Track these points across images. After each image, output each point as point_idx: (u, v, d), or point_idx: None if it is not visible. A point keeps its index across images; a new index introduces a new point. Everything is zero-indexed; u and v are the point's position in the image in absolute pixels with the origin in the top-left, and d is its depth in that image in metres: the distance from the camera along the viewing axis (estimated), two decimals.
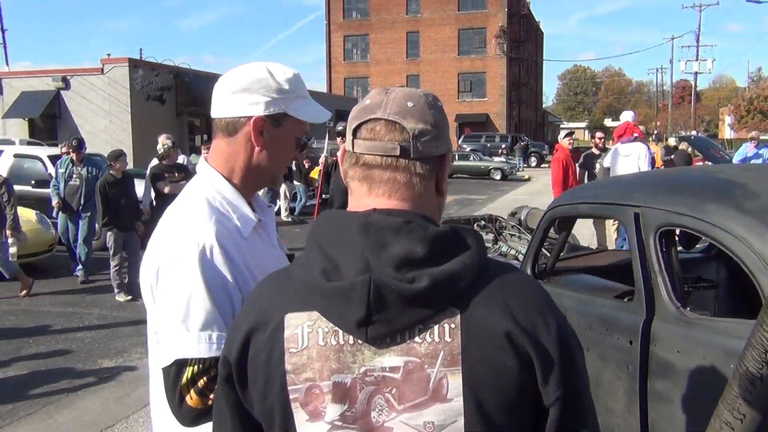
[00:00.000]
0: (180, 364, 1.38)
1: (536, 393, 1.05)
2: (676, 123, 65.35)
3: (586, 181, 9.59)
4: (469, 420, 1.03)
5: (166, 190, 7.86)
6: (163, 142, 8.32)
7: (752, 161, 11.84)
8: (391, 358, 1.04)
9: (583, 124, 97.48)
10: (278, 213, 13.39)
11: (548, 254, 4.09)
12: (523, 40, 54.95)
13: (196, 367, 1.37)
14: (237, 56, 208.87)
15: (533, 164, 40.50)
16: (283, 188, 13.97)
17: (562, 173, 9.18)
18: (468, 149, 36.21)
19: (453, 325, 1.04)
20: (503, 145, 39.41)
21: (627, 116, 9.22)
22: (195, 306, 1.39)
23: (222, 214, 1.51)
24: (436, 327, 1.04)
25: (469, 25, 49.56)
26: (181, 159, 9.36)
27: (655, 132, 41.40)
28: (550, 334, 1.06)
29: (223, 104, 1.54)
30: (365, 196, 1.14)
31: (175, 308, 1.40)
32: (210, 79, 25.66)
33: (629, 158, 8.60)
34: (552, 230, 4.88)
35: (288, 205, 14.78)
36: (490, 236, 4.41)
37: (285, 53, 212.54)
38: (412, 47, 50.68)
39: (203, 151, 8.91)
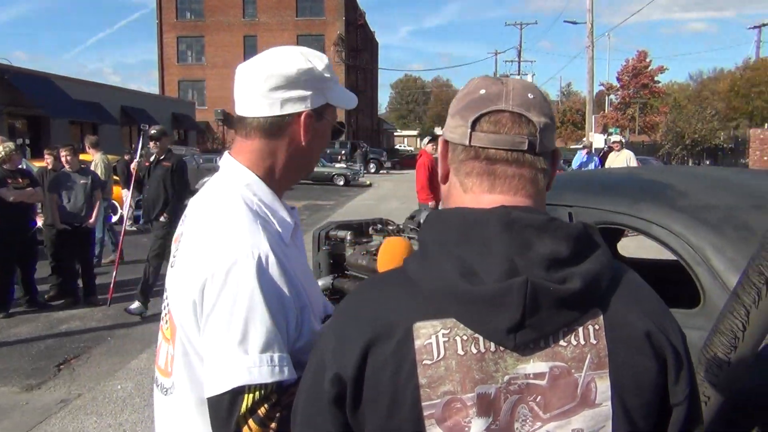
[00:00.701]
0: (237, 392, 1.20)
1: (666, 393, 1.04)
2: None
3: None
4: (617, 425, 1.00)
5: (12, 198, 7.03)
6: (2, 145, 7.43)
7: (588, 166, 13.02)
8: (535, 364, 0.98)
9: (414, 132, 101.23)
10: (121, 221, 12.56)
11: None
12: (360, 48, 56.04)
13: (257, 393, 1.20)
14: (53, 54, 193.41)
15: (372, 170, 41.72)
16: (127, 195, 13.08)
17: (427, 178, 9.48)
18: None
19: (597, 326, 1.00)
20: (343, 152, 39.94)
21: None
22: (254, 325, 1.22)
23: (263, 218, 1.35)
24: (580, 329, 0.99)
25: (308, 31, 49.64)
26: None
27: None
28: (676, 333, 1.06)
29: (262, 102, 1.37)
30: (486, 193, 1.06)
31: (231, 328, 1.22)
32: (35, 78, 23.51)
33: None
34: None
35: (132, 213, 13.85)
36: None
37: (108, 52, 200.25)
38: (249, 51, 49.63)
39: (47, 157, 8.03)
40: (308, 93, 1.38)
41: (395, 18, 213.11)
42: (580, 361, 0.99)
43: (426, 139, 10.23)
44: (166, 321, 1.42)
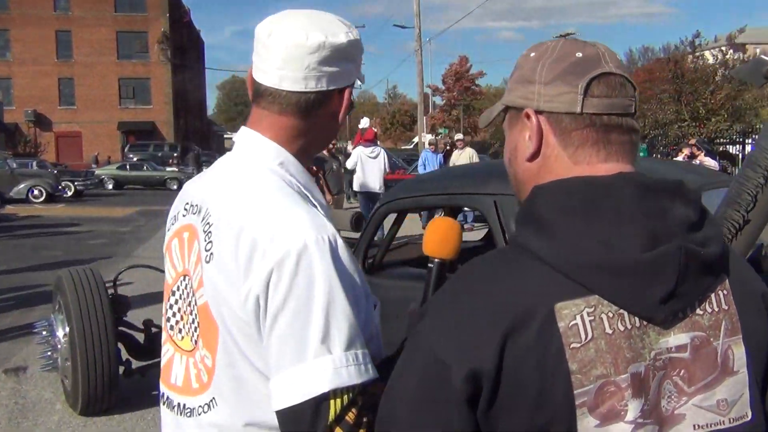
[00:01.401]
0: (321, 399, 1.03)
1: None
2: None
3: (324, 182, 10.11)
4: (752, 391, 0.97)
5: None
6: None
7: (433, 163, 13.45)
8: (676, 336, 0.93)
9: None
10: None
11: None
12: (187, 47, 53.97)
13: (345, 397, 1.04)
14: None
15: None
16: None
17: None
18: (135, 159, 34.64)
19: (725, 291, 0.98)
20: (174, 154, 38.31)
21: (366, 122, 9.92)
22: (336, 318, 1.06)
23: (308, 200, 1.19)
24: (712, 295, 0.96)
25: (129, 28, 46.83)
26: None
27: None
28: None
29: (309, 75, 1.19)
30: (601, 162, 0.99)
31: (311, 323, 1.05)
32: None
33: (377, 159, 9.41)
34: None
35: None
36: None
37: None
38: (63, 47, 45.97)
39: None
40: (352, 67, 1.25)
41: (220, 17, 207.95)
42: (717, 328, 0.95)
43: None
44: (183, 329, 1.22)
